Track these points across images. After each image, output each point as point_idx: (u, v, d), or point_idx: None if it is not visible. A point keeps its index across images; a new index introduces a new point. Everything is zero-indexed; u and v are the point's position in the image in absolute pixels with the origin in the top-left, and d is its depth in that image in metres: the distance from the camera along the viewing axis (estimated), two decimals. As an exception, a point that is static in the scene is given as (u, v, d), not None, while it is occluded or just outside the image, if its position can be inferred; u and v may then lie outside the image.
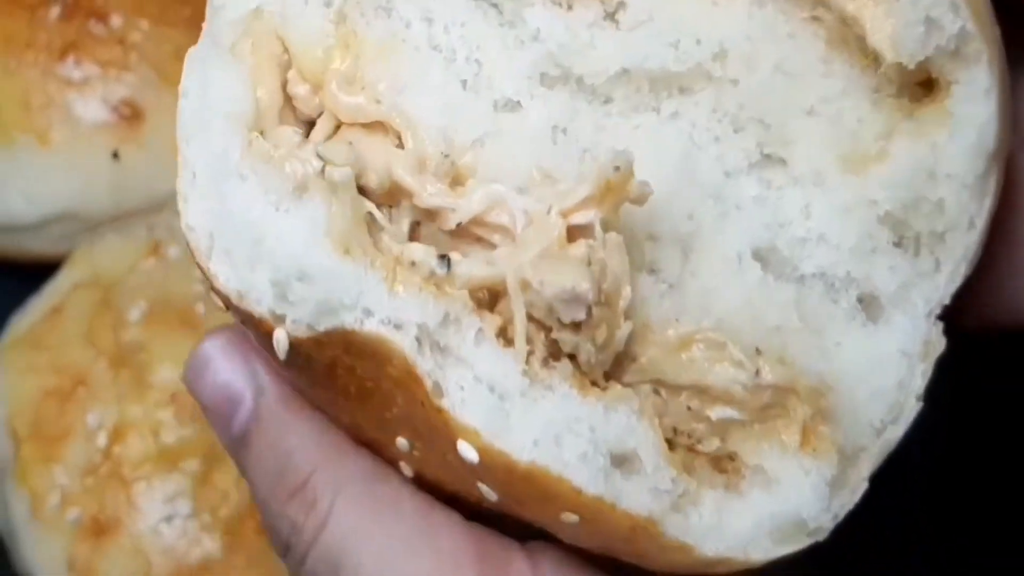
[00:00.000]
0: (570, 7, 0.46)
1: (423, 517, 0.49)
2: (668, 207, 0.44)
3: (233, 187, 0.43)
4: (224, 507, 0.78)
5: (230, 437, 0.51)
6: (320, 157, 0.43)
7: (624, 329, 0.43)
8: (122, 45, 0.82)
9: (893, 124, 0.47)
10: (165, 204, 0.83)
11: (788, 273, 0.45)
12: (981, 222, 0.47)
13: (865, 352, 0.44)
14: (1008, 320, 0.59)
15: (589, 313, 0.42)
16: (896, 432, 0.45)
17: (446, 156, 0.44)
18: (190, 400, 0.72)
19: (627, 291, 0.43)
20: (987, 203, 0.47)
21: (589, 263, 0.42)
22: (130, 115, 0.82)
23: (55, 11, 0.82)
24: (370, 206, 0.43)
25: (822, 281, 0.45)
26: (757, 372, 0.43)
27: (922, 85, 0.46)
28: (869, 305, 0.46)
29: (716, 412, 0.43)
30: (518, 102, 0.45)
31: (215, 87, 0.43)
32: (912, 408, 0.44)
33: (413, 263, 0.42)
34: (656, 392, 0.44)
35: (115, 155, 0.82)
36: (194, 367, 0.50)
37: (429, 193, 0.43)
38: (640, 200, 0.42)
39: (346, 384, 0.44)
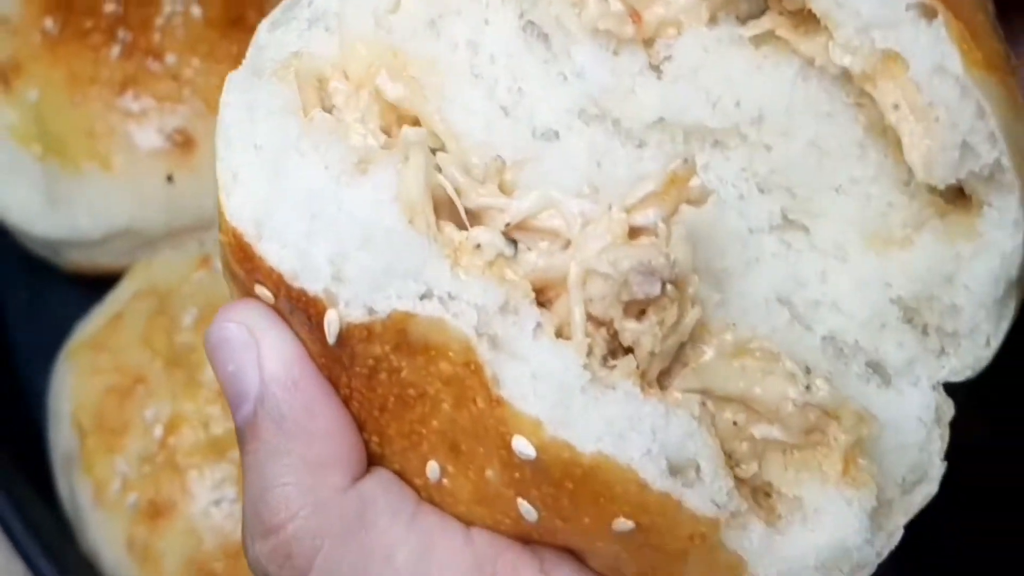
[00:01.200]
0: (616, 53, 0.45)
1: (420, 559, 0.45)
2: (705, 238, 0.43)
3: (291, 164, 0.42)
4: None
5: (236, 426, 0.47)
6: (383, 131, 0.42)
7: (693, 314, 0.42)
8: (176, 80, 0.84)
9: (923, 218, 0.45)
10: (214, 222, 0.85)
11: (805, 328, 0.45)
12: (996, 343, 0.46)
13: (886, 410, 0.44)
14: None
15: (663, 290, 0.40)
16: (927, 491, 0.44)
17: (496, 158, 0.43)
18: None
19: (695, 279, 0.42)
20: (1004, 326, 0.45)
21: (654, 247, 0.41)
22: (183, 143, 0.84)
23: (116, 50, 0.84)
24: (441, 178, 0.42)
25: (832, 345, 0.44)
26: (808, 388, 0.42)
27: (958, 189, 0.45)
28: (877, 372, 0.45)
29: (760, 430, 0.42)
30: (556, 132, 0.44)
31: (261, 96, 0.43)
32: (938, 468, 0.44)
33: (478, 245, 0.41)
34: (704, 404, 0.42)
35: (169, 178, 0.84)
36: (212, 339, 0.46)
37: (479, 192, 0.42)
38: (700, 200, 0.42)
39: (385, 394, 0.42)
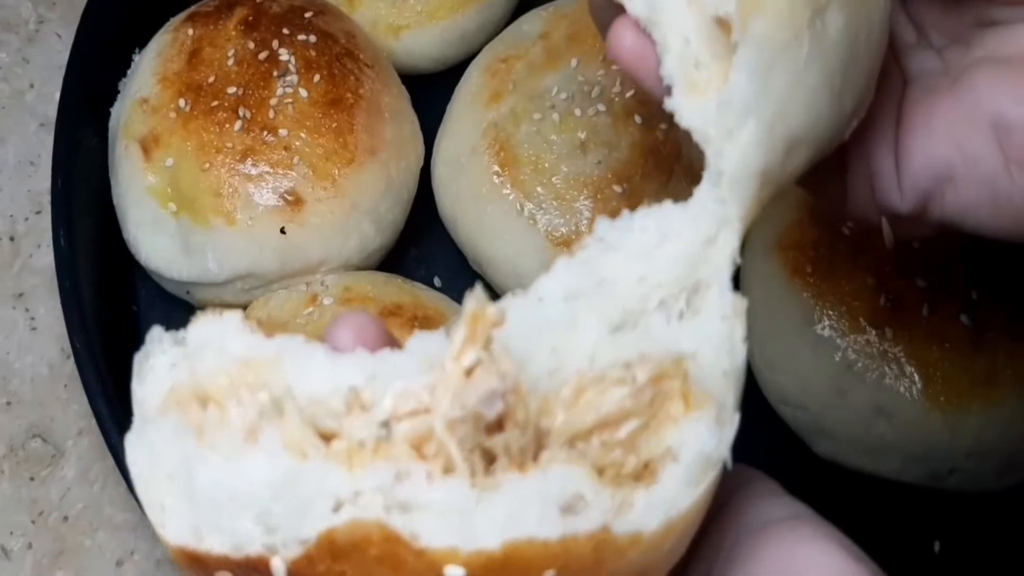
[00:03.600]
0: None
1: None
2: (518, 335, 0.45)
3: (198, 472, 0.42)
4: None
5: None
6: (255, 406, 0.43)
7: (534, 401, 0.43)
8: (287, 150, 0.88)
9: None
10: (319, 267, 0.90)
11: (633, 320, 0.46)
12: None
13: (692, 338, 0.45)
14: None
15: (506, 402, 0.42)
16: (740, 374, 0.45)
17: (350, 390, 0.43)
18: None
19: (524, 376, 0.43)
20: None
21: (489, 375, 0.42)
22: (293, 201, 0.89)
23: (238, 125, 0.89)
24: (309, 413, 0.43)
25: (631, 324, 0.45)
26: (634, 379, 0.43)
27: None
28: (669, 314, 0.46)
29: (622, 431, 0.43)
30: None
31: (154, 436, 0.44)
32: (742, 350, 0.45)
33: (361, 442, 0.42)
34: (573, 446, 0.43)
35: (282, 231, 0.88)
36: None
37: (351, 422, 0.43)
38: (500, 321, 0.43)
39: None
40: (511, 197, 0.91)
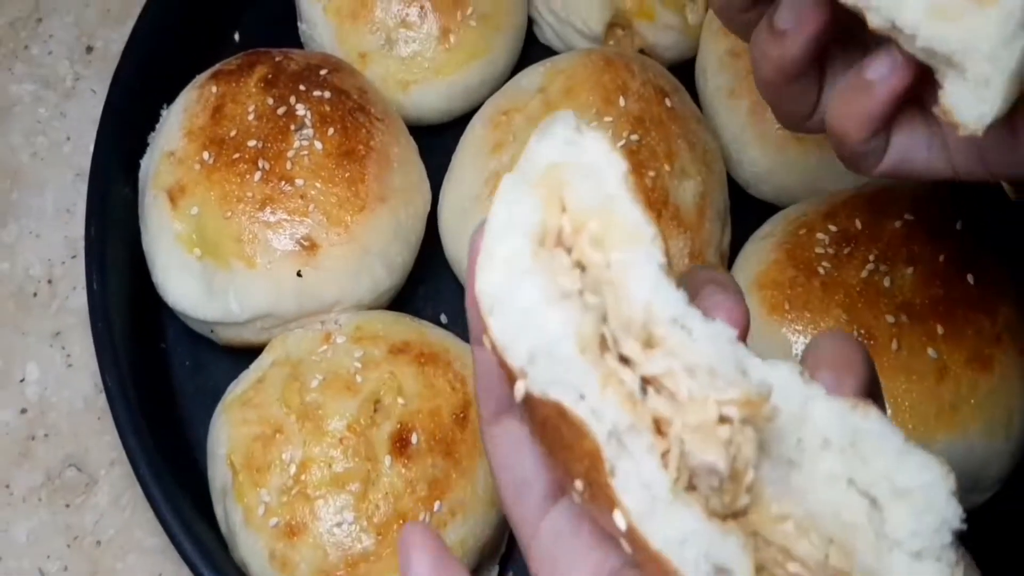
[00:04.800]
0: None
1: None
2: (785, 431, 0.46)
3: (517, 273, 0.45)
4: (377, 515, 0.82)
5: None
6: (581, 282, 0.45)
7: (743, 499, 0.44)
8: (303, 199, 0.90)
9: None
10: (333, 307, 0.92)
11: (875, 491, 0.46)
12: None
13: (913, 568, 0.45)
14: None
15: (721, 484, 0.44)
16: None
17: (644, 326, 0.45)
18: (353, 442, 0.83)
19: (751, 474, 0.44)
20: None
21: (730, 443, 0.44)
22: (309, 246, 0.90)
23: (257, 176, 0.91)
24: (605, 330, 0.45)
25: (875, 529, 0.46)
26: (827, 557, 0.44)
27: None
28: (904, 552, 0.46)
29: (794, 568, 0.44)
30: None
31: (518, 206, 0.46)
32: None
33: (621, 380, 0.44)
34: (754, 536, 0.45)
35: (299, 274, 0.90)
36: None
37: (628, 346, 0.45)
38: (768, 418, 0.44)
39: (552, 435, 0.46)
40: None
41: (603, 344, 0.45)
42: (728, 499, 0.44)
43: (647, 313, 0.45)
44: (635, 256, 0.45)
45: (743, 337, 0.48)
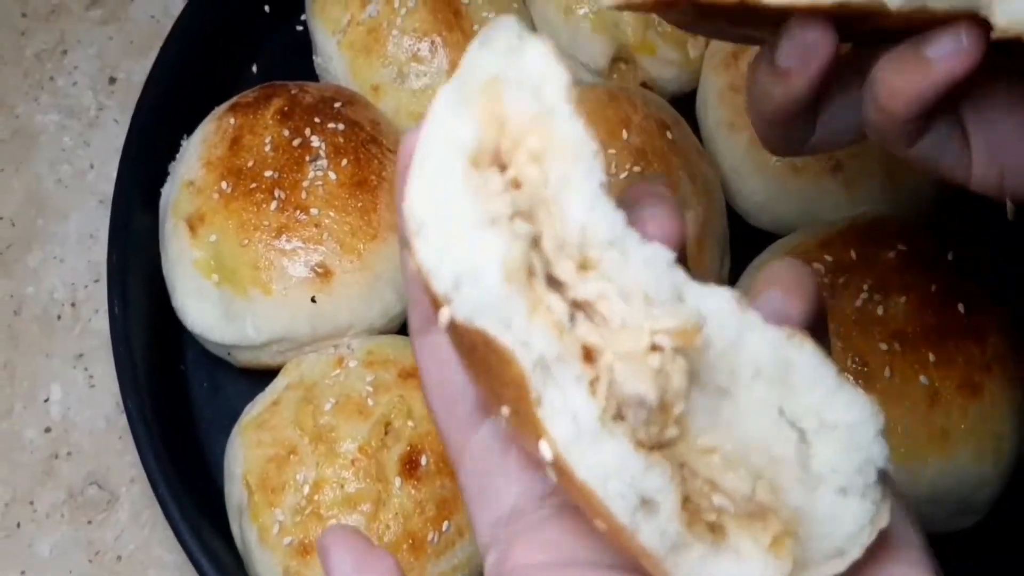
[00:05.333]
0: None
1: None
2: (718, 360, 0.44)
3: (446, 195, 0.43)
4: (387, 535, 0.83)
5: None
6: (513, 207, 0.43)
7: (672, 431, 0.43)
8: (317, 227, 0.92)
9: None
10: (346, 332, 0.93)
11: (804, 423, 0.44)
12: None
13: (836, 510, 0.44)
14: None
15: (649, 415, 0.42)
16: (839, 566, 0.44)
17: (580, 247, 0.43)
18: (364, 464, 0.84)
19: (680, 406, 0.43)
20: None
21: (660, 373, 0.42)
22: (323, 273, 0.92)
23: (273, 205, 0.92)
24: (534, 258, 0.43)
25: (802, 461, 0.44)
26: (752, 491, 0.43)
27: None
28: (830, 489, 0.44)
29: (717, 499, 0.43)
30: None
31: (453, 122, 0.43)
32: (856, 553, 0.44)
33: (550, 308, 0.42)
34: (681, 467, 0.43)
35: (313, 299, 0.91)
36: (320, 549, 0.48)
37: (560, 268, 0.43)
38: (701, 349, 0.43)
39: (478, 361, 0.44)
40: None
41: (532, 271, 0.43)
42: (656, 430, 0.43)
43: (583, 234, 0.43)
44: (574, 173, 0.43)
45: (680, 252, 0.46)
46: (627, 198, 0.47)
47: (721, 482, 0.43)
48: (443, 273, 0.43)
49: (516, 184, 0.43)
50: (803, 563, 0.43)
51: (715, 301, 0.44)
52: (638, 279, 0.43)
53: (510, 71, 0.44)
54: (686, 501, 0.43)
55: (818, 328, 0.47)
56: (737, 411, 0.44)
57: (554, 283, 0.43)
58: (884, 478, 0.44)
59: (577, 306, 0.43)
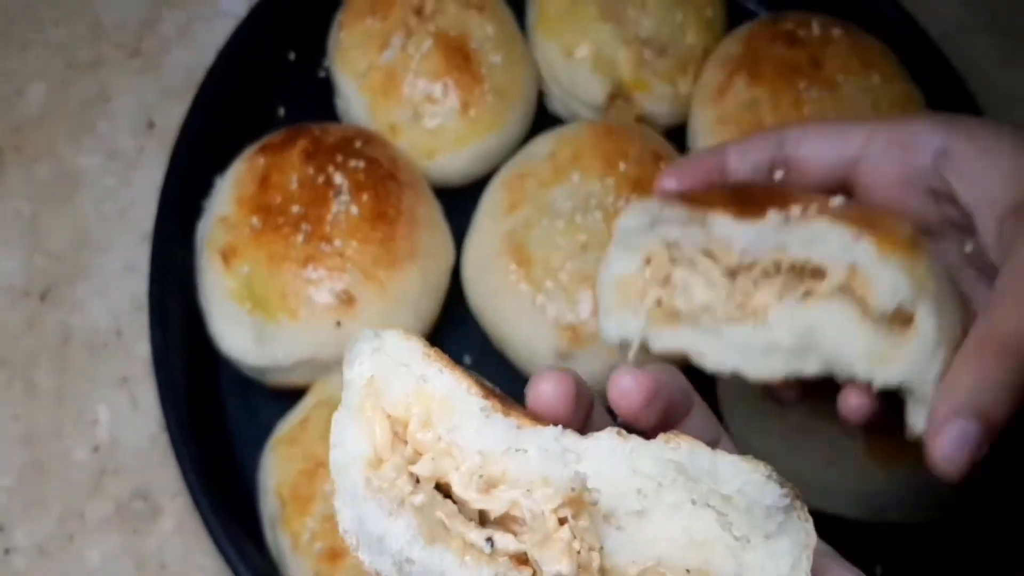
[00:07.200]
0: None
1: None
2: (620, 494, 0.46)
3: (361, 507, 0.46)
4: None
5: None
6: (410, 484, 0.46)
7: (603, 557, 0.45)
8: (341, 257, 0.93)
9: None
10: None
11: (711, 501, 0.46)
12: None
13: (767, 555, 0.46)
14: None
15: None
16: None
17: (480, 476, 0.46)
18: None
19: (597, 559, 0.45)
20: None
21: (572, 540, 0.44)
22: (347, 300, 0.93)
23: (300, 238, 0.94)
24: (442, 510, 0.46)
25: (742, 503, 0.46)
26: None
27: None
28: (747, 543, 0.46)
29: None
30: (525, 450, 0.47)
31: (348, 437, 0.47)
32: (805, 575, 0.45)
33: (472, 544, 0.45)
34: None
35: (338, 324, 0.93)
36: None
37: (473, 500, 0.46)
38: (593, 501, 0.45)
39: None
40: (526, 291, 0.95)
41: (446, 524, 0.45)
42: None
43: (484, 457, 0.46)
44: (456, 416, 0.47)
45: (568, 412, 0.49)
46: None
47: None
48: (386, 568, 0.46)
49: (418, 454, 0.46)
50: None
51: (602, 445, 0.47)
52: (538, 468, 0.45)
53: (381, 365, 0.47)
54: None
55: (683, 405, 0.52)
56: (656, 523, 0.46)
57: (480, 512, 0.46)
58: (792, 506, 0.46)
59: (500, 522, 0.45)
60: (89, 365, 1.01)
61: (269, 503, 0.89)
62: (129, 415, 0.99)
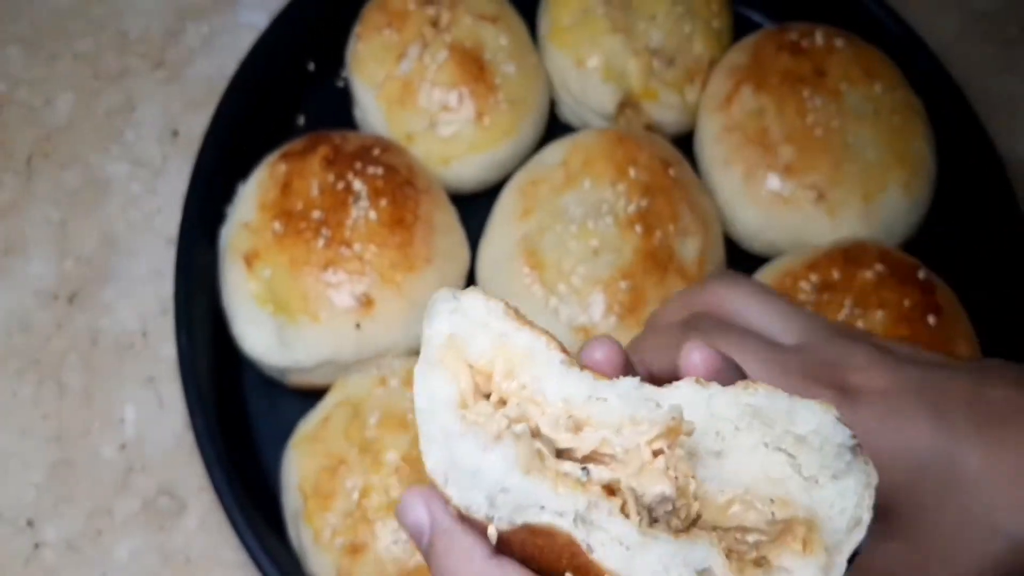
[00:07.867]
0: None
1: None
2: (705, 433, 0.49)
3: (456, 444, 0.47)
4: None
5: (423, 557, 0.50)
6: (506, 418, 0.47)
7: (695, 507, 0.47)
8: (360, 261, 0.94)
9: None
10: (386, 354, 0.94)
11: (783, 444, 0.48)
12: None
13: (834, 491, 0.48)
14: None
15: (673, 505, 0.46)
16: (860, 534, 0.47)
17: (569, 417, 0.47)
18: (407, 472, 0.85)
19: (693, 484, 0.47)
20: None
21: (669, 469, 0.46)
22: (366, 302, 0.94)
23: (321, 242, 0.94)
24: (538, 445, 0.47)
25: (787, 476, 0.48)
26: (772, 515, 0.47)
27: None
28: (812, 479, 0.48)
29: (752, 537, 0.47)
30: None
31: (433, 384, 0.48)
32: (867, 519, 0.47)
33: (566, 473, 0.46)
34: (715, 530, 0.47)
35: (357, 326, 0.93)
36: (399, 509, 0.50)
37: (562, 439, 0.47)
38: (689, 432, 0.47)
39: (533, 550, 0.47)
40: (539, 294, 0.96)
41: (542, 455, 0.47)
42: (684, 513, 0.47)
43: (568, 404, 0.48)
44: (538, 368, 0.48)
45: (626, 369, 0.51)
46: (586, 353, 0.52)
47: (747, 522, 0.47)
48: (478, 501, 0.46)
49: (503, 402, 0.48)
50: (833, 548, 0.47)
51: (682, 393, 0.49)
52: (620, 411, 0.47)
53: (459, 325, 0.49)
54: (730, 553, 0.46)
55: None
56: (736, 461, 0.48)
57: (564, 452, 0.47)
58: (857, 449, 0.48)
59: (588, 459, 0.47)
60: (116, 366, 1.01)
61: (292, 499, 0.89)
62: (155, 414, 0.99)
